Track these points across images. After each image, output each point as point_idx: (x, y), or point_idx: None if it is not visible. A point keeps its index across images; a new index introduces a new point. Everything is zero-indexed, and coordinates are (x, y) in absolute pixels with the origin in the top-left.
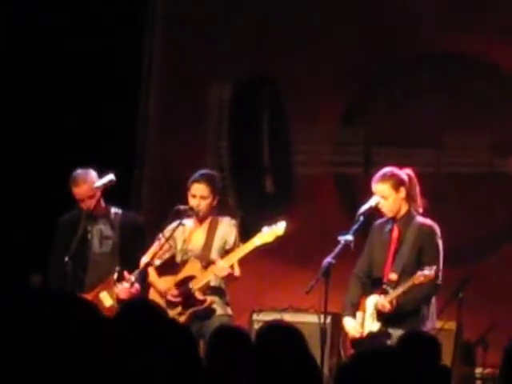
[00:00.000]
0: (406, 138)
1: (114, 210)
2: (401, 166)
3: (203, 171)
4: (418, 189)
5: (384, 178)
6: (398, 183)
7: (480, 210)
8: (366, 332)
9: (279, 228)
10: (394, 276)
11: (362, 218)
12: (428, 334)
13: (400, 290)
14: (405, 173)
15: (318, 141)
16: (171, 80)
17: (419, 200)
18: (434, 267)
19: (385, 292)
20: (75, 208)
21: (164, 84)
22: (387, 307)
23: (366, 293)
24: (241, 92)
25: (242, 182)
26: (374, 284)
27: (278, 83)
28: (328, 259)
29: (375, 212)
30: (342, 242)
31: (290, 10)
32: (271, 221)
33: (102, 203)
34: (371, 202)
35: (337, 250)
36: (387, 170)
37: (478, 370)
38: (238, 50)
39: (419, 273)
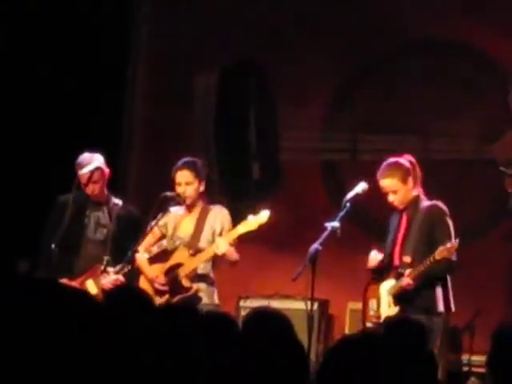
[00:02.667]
0: (392, 125)
1: (114, 200)
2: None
3: (186, 159)
4: (419, 173)
5: (391, 171)
6: (405, 175)
7: (466, 196)
8: (382, 317)
9: (263, 216)
10: (407, 258)
11: (348, 205)
12: (415, 320)
13: (421, 267)
14: (407, 160)
15: (304, 127)
16: (158, 67)
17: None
18: (457, 239)
19: (400, 275)
20: (69, 191)
21: (151, 71)
22: (411, 284)
23: (377, 281)
24: (228, 79)
25: (229, 168)
26: (385, 271)
27: (265, 70)
28: (315, 246)
29: (362, 199)
30: (329, 228)
31: None
32: (256, 209)
33: (105, 191)
34: (357, 189)
35: (323, 236)
36: (391, 162)
37: (465, 357)
38: (224, 36)
39: (441, 247)
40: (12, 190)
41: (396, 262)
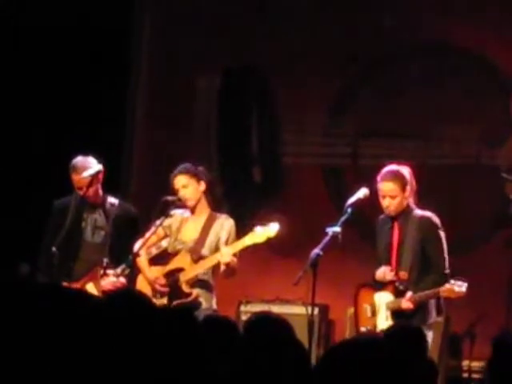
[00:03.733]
0: (393, 129)
1: (110, 200)
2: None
3: (180, 166)
4: (414, 185)
5: (393, 177)
6: (405, 183)
7: (467, 202)
8: (378, 328)
9: (272, 229)
10: (404, 275)
11: (349, 210)
12: (414, 327)
13: (423, 295)
14: (406, 171)
15: (306, 132)
16: (160, 69)
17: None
18: (465, 284)
19: (398, 291)
20: (69, 194)
21: (153, 73)
22: (411, 308)
23: (371, 288)
24: (229, 82)
25: (231, 172)
26: (379, 282)
27: (267, 74)
28: (316, 251)
29: (363, 204)
30: (330, 233)
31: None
32: (264, 221)
33: (100, 193)
34: (359, 194)
35: (324, 241)
36: (394, 168)
37: (465, 363)
38: (226, 39)
39: (448, 286)
40: (13, 192)
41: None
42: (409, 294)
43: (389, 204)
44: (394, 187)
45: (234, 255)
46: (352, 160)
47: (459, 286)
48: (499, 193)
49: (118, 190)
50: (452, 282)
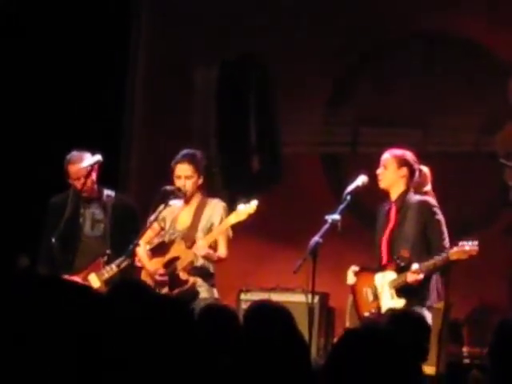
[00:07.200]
0: (393, 118)
1: (106, 192)
2: (391, 146)
3: (185, 151)
4: (419, 180)
5: (393, 153)
6: (402, 162)
7: (467, 189)
8: (383, 309)
9: (251, 206)
10: (405, 253)
11: (348, 198)
12: (416, 314)
13: (431, 262)
14: (418, 166)
15: (305, 121)
16: (158, 62)
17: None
18: (476, 242)
19: (399, 268)
20: (65, 190)
21: (151, 66)
22: (419, 278)
23: (368, 271)
24: (228, 72)
25: (229, 162)
26: (377, 262)
27: (266, 64)
28: (315, 238)
29: (362, 192)
30: (329, 221)
31: None
32: (245, 199)
33: (96, 186)
34: (358, 182)
35: (324, 229)
36: (402, 151)
37: (466, 349)
38: (225, 30)
39: (456, 248)
40: (13, 186)
41: (385, 253)
42: (414, 266)
43: (378, 173)
44: (388, 159)
45: (211, 247)
46: (351, 148)
47: (470, 246)
48: (499, 179)
49: (117, 186)
50: (460, 243)
